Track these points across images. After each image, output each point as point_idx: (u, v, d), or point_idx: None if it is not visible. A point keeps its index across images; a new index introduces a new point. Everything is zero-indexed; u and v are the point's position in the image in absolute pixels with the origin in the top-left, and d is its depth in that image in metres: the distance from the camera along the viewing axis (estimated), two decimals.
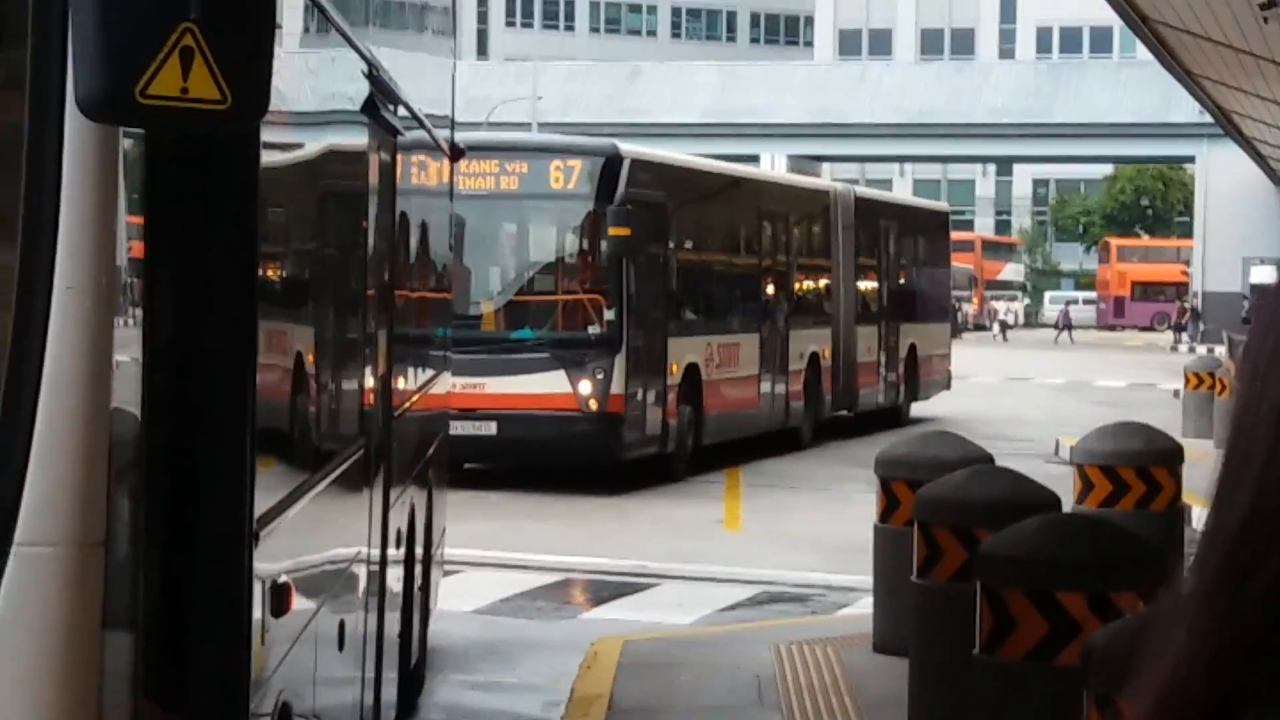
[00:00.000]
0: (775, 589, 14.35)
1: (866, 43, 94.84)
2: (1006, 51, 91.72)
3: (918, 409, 29.98)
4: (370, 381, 7.27)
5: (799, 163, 60.07)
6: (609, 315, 19.47)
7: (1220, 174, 59.72)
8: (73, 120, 2.86)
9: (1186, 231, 76.38)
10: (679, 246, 21.79)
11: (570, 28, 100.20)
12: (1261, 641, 1.03)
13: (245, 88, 2.74)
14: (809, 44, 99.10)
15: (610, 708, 9.69)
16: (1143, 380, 41.61)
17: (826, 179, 44.71)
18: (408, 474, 9.20)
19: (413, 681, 9.83)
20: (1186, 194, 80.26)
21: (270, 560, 4.46)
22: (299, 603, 4.94)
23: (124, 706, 3.20)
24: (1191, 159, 66.61)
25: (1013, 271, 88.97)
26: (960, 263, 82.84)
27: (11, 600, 2.84)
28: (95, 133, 2.86)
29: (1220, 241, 60.55)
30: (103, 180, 2.89)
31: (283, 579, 4.66)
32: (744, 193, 24.76)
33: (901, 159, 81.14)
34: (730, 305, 23.45)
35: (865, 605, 11.85)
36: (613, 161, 19.82)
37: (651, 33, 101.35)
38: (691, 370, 21.55)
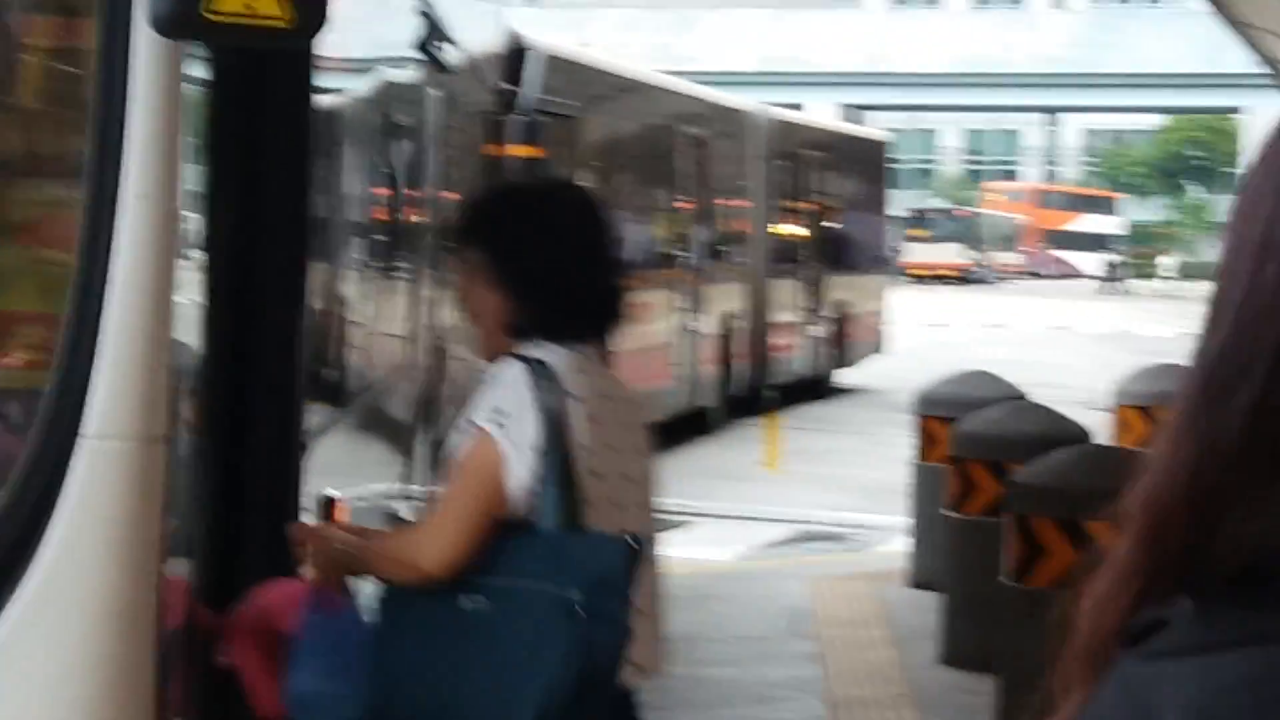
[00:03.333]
0: (812, 528, 14.53)
1: None
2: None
3: (843, 377, 25.51)
4: (420, 309, 7.47)
5: (849, 112, 60.00)
6: None
7: (1267, 126, 59.36)
8: (144, 41, 3.04)
9: (1234, 184, 75.86)
10: (585, 175, 16.35)
11: None
12: (1239, 451, 1.19)
13: (305, 6, 2.93)
14: None
15: None
16: (1186, 330, 41.57)
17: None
18: (451, 398, 9.40)
19: None
20: (1234, 146, 79.95)
21: (318, 474, 4.64)
22: (347, 517, 5.13)
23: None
24: (1239, 110, 66.34)
25: (1093, 223, 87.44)
26: (1010, 211, 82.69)
27: (80, 489, 3.04)
28: (163, 55, 3.05)
29: None
30: (169, 97, 3.08)
31: (330, 492, 4.85)
32: (656, 107, 19.03)
33: (951, 108, 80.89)
34: (638, 255, 17.95)
35: (901, 543, 12.01)
36: (516, 55, 14.46)
37: None
38: None
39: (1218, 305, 1.23)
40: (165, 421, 3.06)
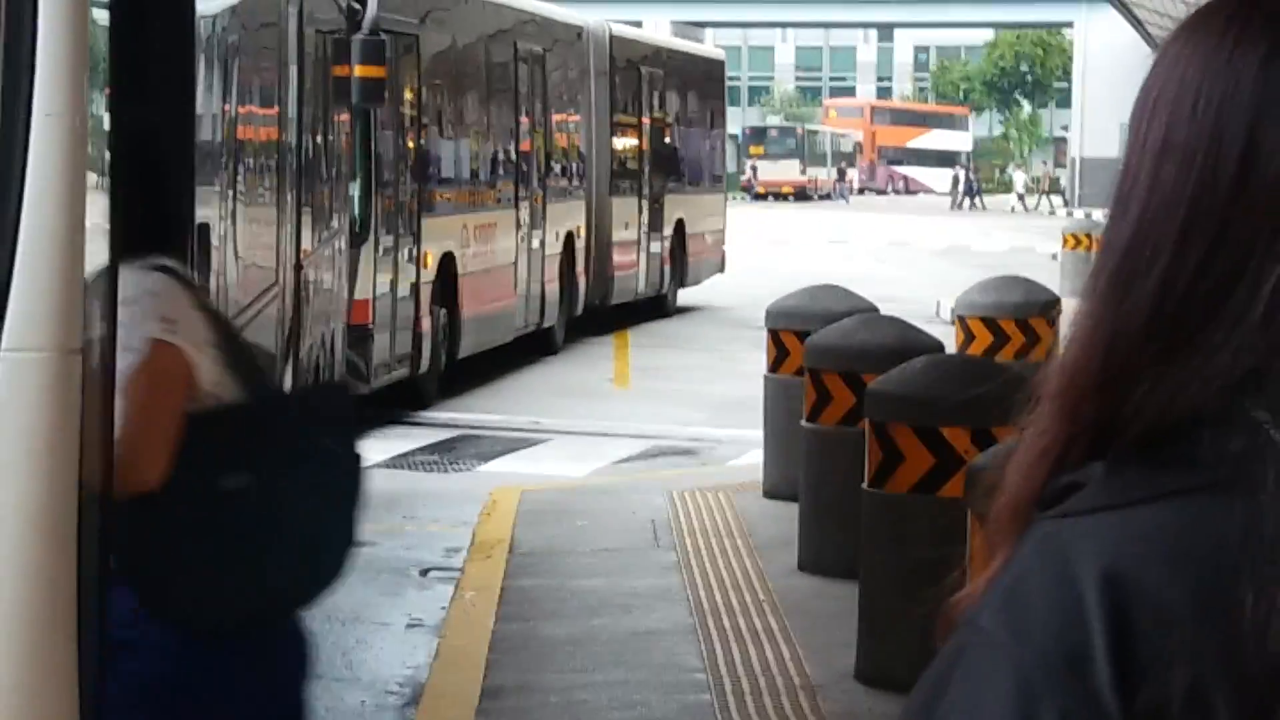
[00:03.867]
0: (666, 443, 14.72)
1: None
2: None
3: (686, 296, 25.56)
4: (283, 232, 7.52)
5: (685, 29, 60.07)
6: (354, 191, 14.00)
7: (1098, 40, 60.33)
8: None
9: (1066, 98, 77.20)
10: (429, 94, 16.55)
11: None
12: (1145, 331, 1.33)
13: None
14: None
15: (511, 551, 10.02)
16: (1022, 244, 42.25)
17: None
18: (313, 322, 9.46)
19: None
20: (1065, 60, 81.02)
21: None
22: None
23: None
24: (1070, 24, 67.17)
25: (941, 140, 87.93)
26: (849, 128, 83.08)
27: None
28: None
29: (1098, 108, 61.27)
30: (77, 17, 3.16)
31: None
32: (493, 24, 18.77)
33: (785, 24, 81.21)
34: (483, 172, 18.23)
35: (754, 456, 12.22)
36: None
37: None
38: (446, 261, 16.50)
39: (1121, 202, 1.37)
40: (79, 333, 3.13)
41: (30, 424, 3.11)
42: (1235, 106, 1.31)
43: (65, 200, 3.09)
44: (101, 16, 3.60)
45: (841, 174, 75.96)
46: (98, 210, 3.24)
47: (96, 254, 3.19)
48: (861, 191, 78.84)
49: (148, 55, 3.86)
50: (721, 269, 27.00)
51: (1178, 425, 1.30)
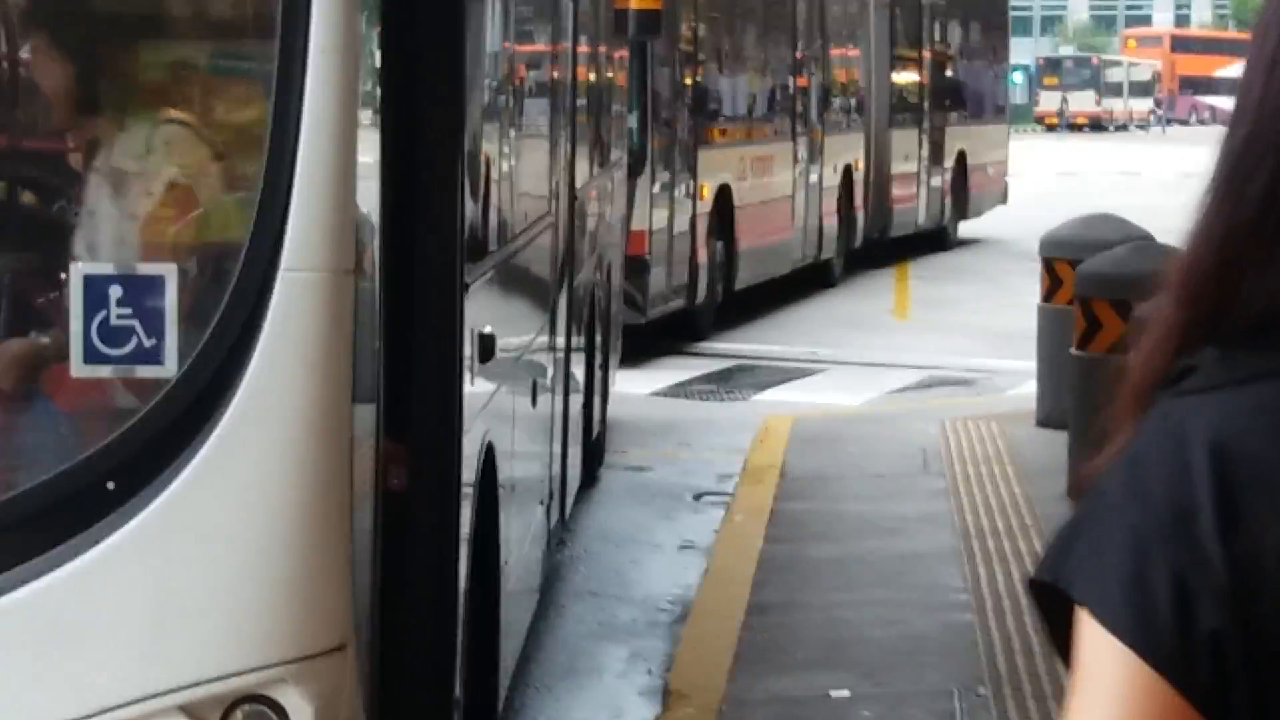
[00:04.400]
0: (943, 374, 14.78)
1: None
2: None
3: (967, 229, 25.27)
4: (557, 163, 7.77)
5: None
6: (631, 122, 13.96)
7: None
8: None
9: None
10: (705, 28, 16.61)
11: None
12: (1257, 224, 1.49)
13: None
14: None
15: (782, 476, 10.23)
16: None
17: None
18: (590, 253, 9.74)
19: (594, 453, 10.41)
20: None
21: (476, 311, 4.98)
22: (500, 353, 5.47)
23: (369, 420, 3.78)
24: None
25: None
26: (1149, 58, 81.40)
27: (279, 317, 3.39)
28: None
29: None
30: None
31: (487, 329, 5.18)
32: None
33: None
34: (759, 106, 18.25)
35: (1030, 387, 12.25)
36: None
37: None
38: (723, 194, 16.58)
39: (1240, 107, 1.53)
40: (351, 255, 3.39)
41: (308, 337, 3.39)
42: None
43: (339, 131, 3.35)
44: None
45: (1158, 103, 74.53)
46: (369, 142, 3.50)
47: (367, 182, 3.45)
48: (1168, 123, 77.21)
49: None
50: (1004, 201, 26.73)
51: None
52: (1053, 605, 1.47)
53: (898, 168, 22.63)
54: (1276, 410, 1.44)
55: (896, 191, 22.63)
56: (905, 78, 23.05)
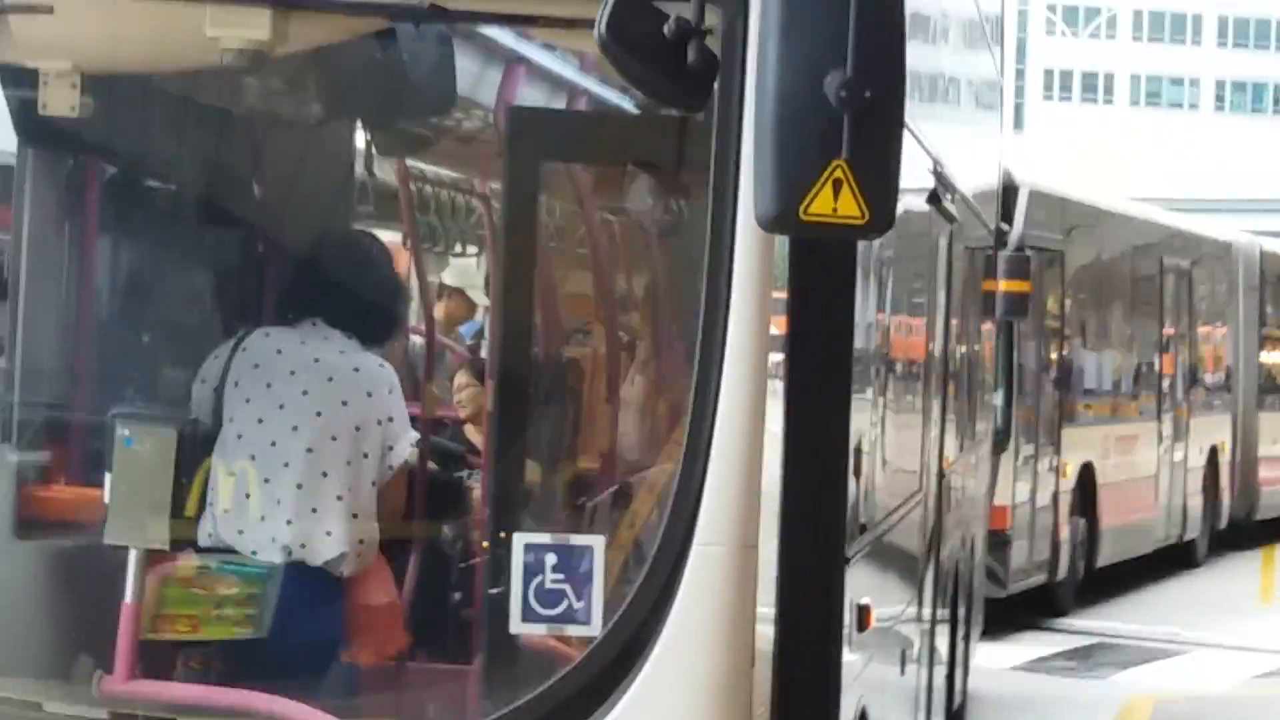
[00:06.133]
0: None
1: None
2: None
3: None
4: (929, 439, 8.11)
5: None
6: (996, 399, 14.18)
7: None
8: (744, 230, 3.86)
9: None
10: (1072, 307, 17.17)
11: (1109, 100, 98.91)
12: None
13: (878, 207, 3.66)
14: None
15: None
16: None
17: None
18: (956, 526, 10.03)
19: None
20: None
21: (856, 583, 5.32)
22: (875, 623, 5.80)
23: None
24: None
25: None
26: None
27: (691, 588, 3.82)
28: (759, 239, 3.88)
29: None
30: (762, 270, 3.89)
31: (864, 600, 5.52)
32: (1139, 239, 19.15)
33: None
34: (1125, 383, 18.54)
35: None
36: (1008, 192, 14.38)
37: (1194, 106, 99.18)
38: (1086, 471, 16.88)
39: None
40: (757, 531, 3.81)
41: (717, 606, 3.79)
42: None
43: (750, 417, 3.80)
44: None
45: None
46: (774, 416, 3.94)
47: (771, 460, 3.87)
48: None
49: (817, 275, 4.46)
50: None
51: None
52: None
53: (1265, 449, 22.52)
54: None
55: (1264, 472, 22.46)
56: (1274, 359, 23.19)
